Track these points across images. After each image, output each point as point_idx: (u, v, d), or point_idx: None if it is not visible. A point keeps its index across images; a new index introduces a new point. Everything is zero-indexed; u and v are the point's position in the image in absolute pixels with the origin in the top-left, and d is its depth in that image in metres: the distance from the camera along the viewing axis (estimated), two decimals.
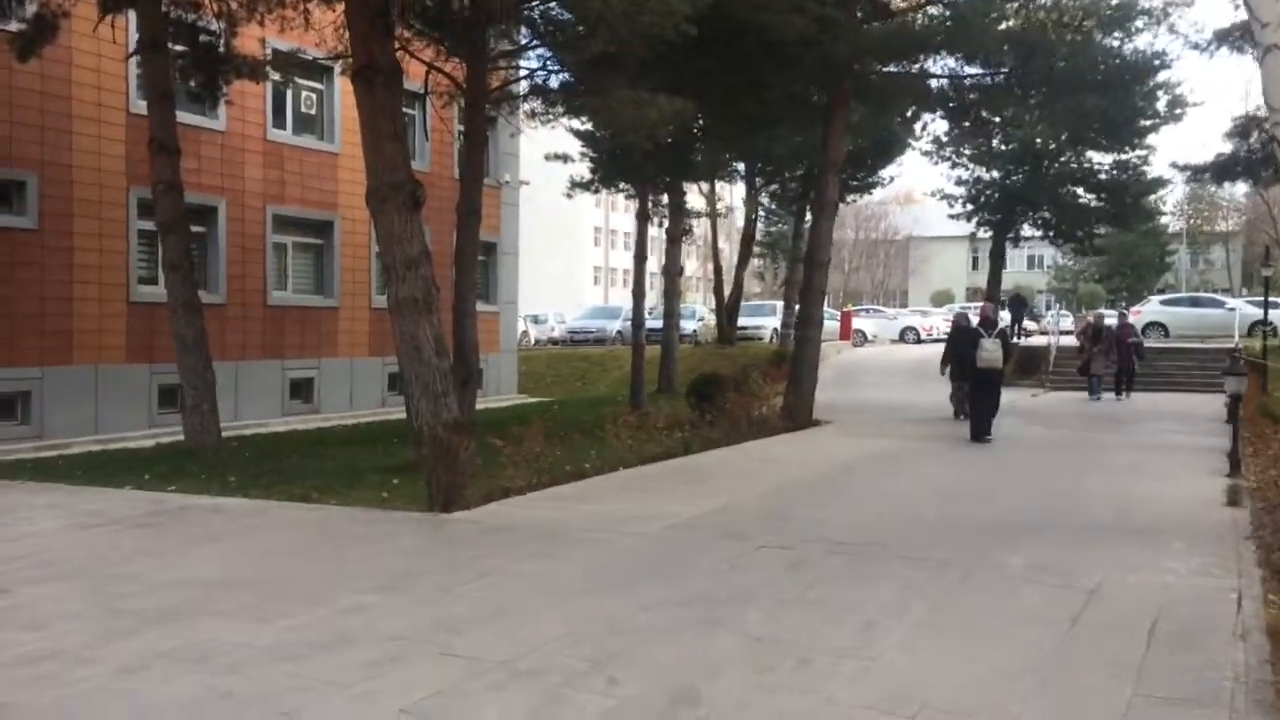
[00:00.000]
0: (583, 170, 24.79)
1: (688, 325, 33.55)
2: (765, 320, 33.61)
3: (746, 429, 14.97)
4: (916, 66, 18.42)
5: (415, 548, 7.88)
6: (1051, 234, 28.75)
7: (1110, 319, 43.73)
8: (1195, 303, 32.63)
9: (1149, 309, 32.76)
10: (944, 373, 18.54)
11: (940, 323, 42.10)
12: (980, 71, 18.11)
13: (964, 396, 16.78)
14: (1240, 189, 59.64)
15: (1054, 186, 26.49)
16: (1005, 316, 38.13)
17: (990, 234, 29.07)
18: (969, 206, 28.28)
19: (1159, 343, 30.62)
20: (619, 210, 77.68)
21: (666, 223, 26.07)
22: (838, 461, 12.67)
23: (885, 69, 17.84)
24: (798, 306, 33.00)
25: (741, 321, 31.10)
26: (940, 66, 18.45)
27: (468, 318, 18.42)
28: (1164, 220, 64.16)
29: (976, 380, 15.42)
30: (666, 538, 8.13)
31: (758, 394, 20.99)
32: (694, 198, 30.74)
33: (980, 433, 15.09)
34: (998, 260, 29.05)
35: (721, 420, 14.85)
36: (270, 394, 21.26)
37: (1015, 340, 23.21)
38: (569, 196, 25.63)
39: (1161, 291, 66.86)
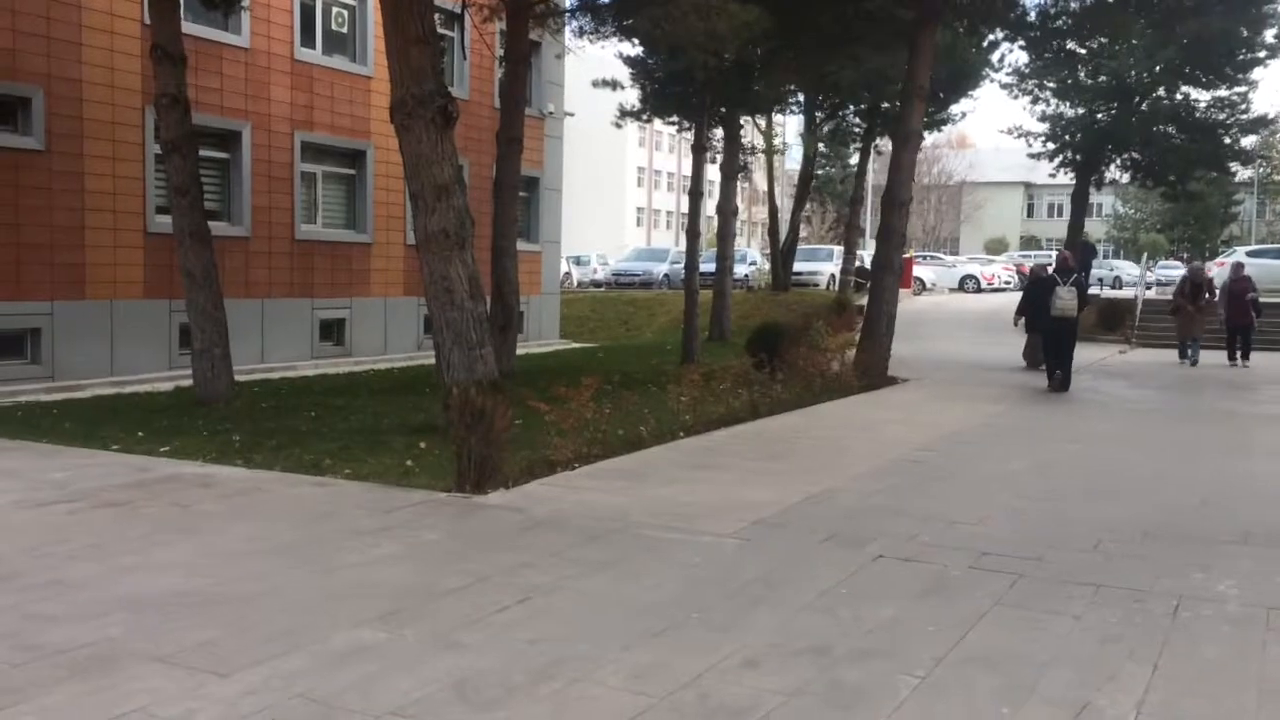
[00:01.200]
0: (632, 98, 22.69)
1: (739, 270, 31.52)
2: (822, 265, 31.44)
3: (820, 389, 13.09)
4: None
5: (438, 548, 6.12)
6: (1140, 176, 26.19)
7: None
8: None
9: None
10: (1017, 324, 17.44)
11: (1001, 271, 39.92)
12: None
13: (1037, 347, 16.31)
14: None
15: (1146, 124, 23.91)
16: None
17: (1073, 176, 26.55)
18: (1049, 145, 25.76)
19: None
20: (663, 150, 75.25)
21: (720, 158, 24.00)
22: (935, 431, 10.76)
23: None
24: (862, 251, 30.89)
25: (797, 267, 28.97)
26: None
27: (507, 256, 16.65)
28: (1231, 168, 61.07)
29: (1050, 329, 14.85)
30: (755, 541, 6.31)
31: (821, 346, 19.10)
32: (747, 135, 28.54)
33: (1057, 383, 14.70)
34: (1080, 204, 26.54)
35: (792, 378, 12.96)
36: (299, 335, 19.63)
37: (1093, 291, 21.11)
38: (618, 125, 23.56)
39: (1227, 243, 63.84)
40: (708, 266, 26.24)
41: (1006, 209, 70.11)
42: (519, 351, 22.81)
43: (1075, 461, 9.31)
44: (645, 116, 22.90)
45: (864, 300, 27.16)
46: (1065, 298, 14.57)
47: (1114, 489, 8.10)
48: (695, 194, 19.25)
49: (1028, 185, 73.29)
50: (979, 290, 36.71)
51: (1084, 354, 20.72)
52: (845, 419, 11.53)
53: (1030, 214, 75.09)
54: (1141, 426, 11.68)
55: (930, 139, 72.46)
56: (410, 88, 9.99)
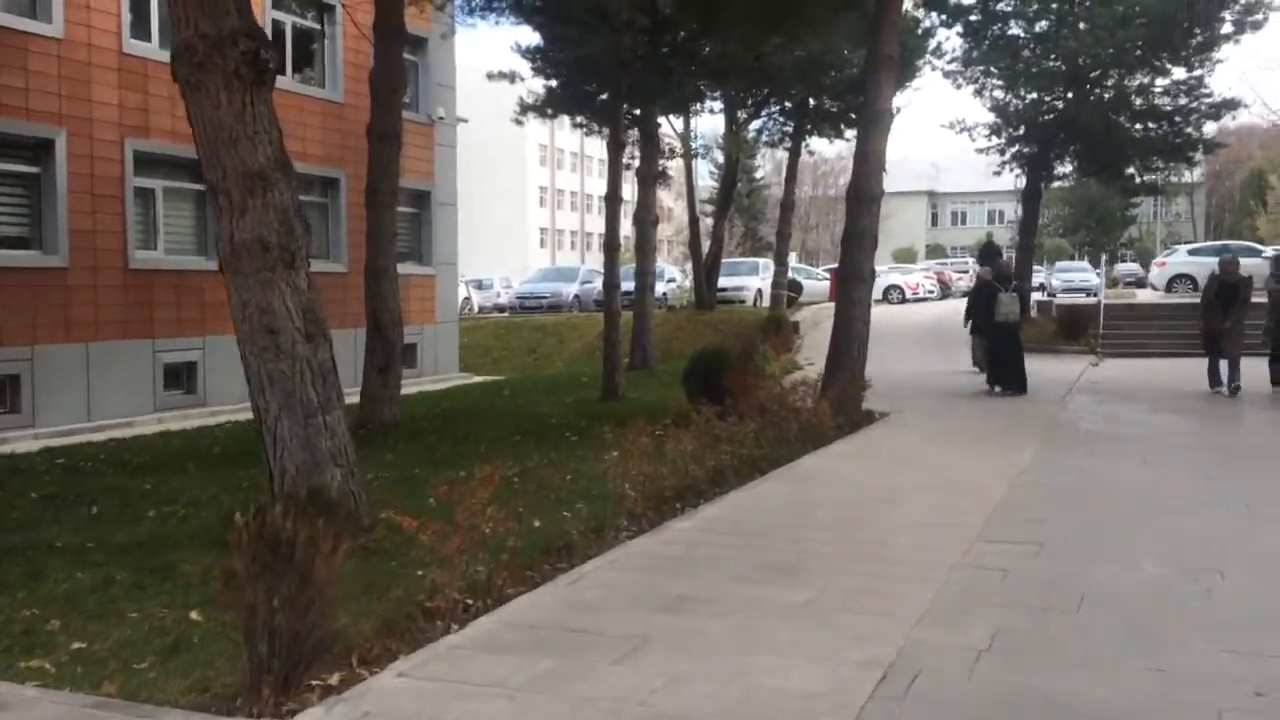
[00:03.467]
0: (535, 89, 19.25)
1: (658, 288, 28.19)
2: (747, 280, 28.21)
3: (795, 436, 9.77)
4: None
5: None
6: (1095, 169, 23.53)
7: (1080, 274, 38.80)
8: (1227, 252, 28.01)
9: (1175, 260, 28.19)
10: (967, 325, 17.13)
11: (924, 280, 37.66)
12: None
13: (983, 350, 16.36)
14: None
15: (1103, 113, 21.18)
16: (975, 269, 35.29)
17: (1018, 174, 23.76)
18: (994, 139, 22.86)
19: (1187, 297, 26.07)
20: (565, 169, 71.96)
21: (637, 163, 20.72)
22: (976, 501, 7.49)
23: None
24: (783, 262, 27.64)
25: (721, 282, 25.71)
26: None
27: (386, 279, 13.07)
28: (1129, 171, 60.25)
29: (995, 334, 15.15)
30: None
31: (770, 374, 15.94)
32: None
33: (999, 380, 14.90)
34: (1032, 204, 23.75)
35: (763, 425, 9.58)
36: (137, 384, 15.73)
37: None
38: (518, 122, 20.08)
39: (1127, 245, 63.08)
40: (625, 285, 23.06)
41: (912, 218, 68.39)
42: (411, 390, 19.18)
43: (1228, 553, 6.09)
44: (550, 112, 19.48)
45: (800, 317, 24.25)
46: (1008, 303, 14.89)
47: None
48: (613, 199, 15.87)
49: (931, 194, 71.95)
50: (904, 300, 34.15)
51: (1054, 368, 17.97)
52: (848, 485, 8.19)
53: (935, 223, 73.65)
54: (1237, 477, 8.57)
55: (834, 150, 70.57)
56: (200, 25, 6.41)
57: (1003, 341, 14.96)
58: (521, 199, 68.22)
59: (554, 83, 18.33)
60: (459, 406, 15.92)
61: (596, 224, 65.98)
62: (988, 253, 25.96)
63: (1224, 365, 14.19)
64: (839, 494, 7.78)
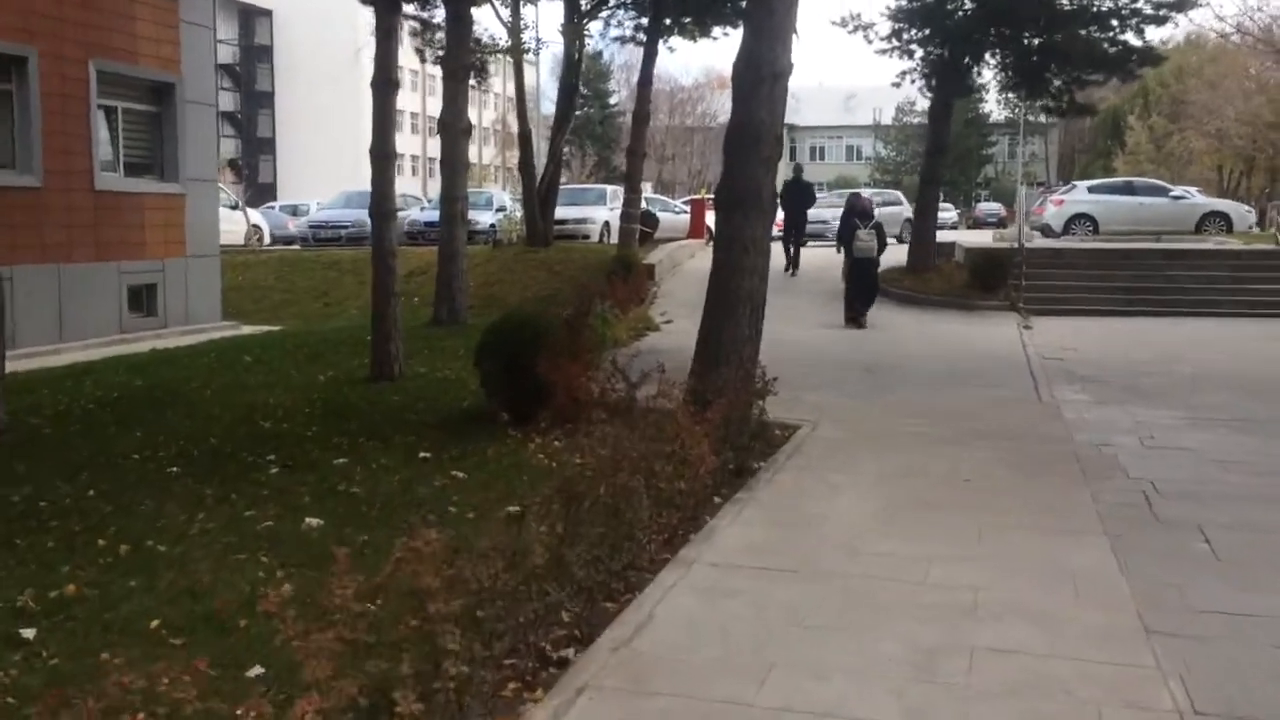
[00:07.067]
0: None
1: (483, 218, 22.53)
2: (593, 211, 22.69)
3: (643, 524, 4.71)
4: None
5: None
6: (1019, 81, 18.73)
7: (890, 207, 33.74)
8: (1131, 190, 24.29)
9: (1073, 198, 24.28)
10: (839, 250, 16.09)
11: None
12: None
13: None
14: None
15: (1040, 7, 16.26)
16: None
17: (923, 87, 18.87)
18: (894, 42, 17.68)
19: (1090, 242, 22.30)
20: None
21: (442, 53, 15.24)
22: None
23: None
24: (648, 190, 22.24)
25: (559, 213, 20.20)
26: None
27: None
28: (986, 109, 57.26)
29: (853, 270, 15.03)
30: None
31: (607, 337, 11.01)
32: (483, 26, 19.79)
33: (855, 317, 14.69)
34: (940, 125, 18.88)
35: (564, 513, 4.47)
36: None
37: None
38: None
39: (984, 185, 60.47)
40: (434, 214, 17.62)
41: None
42: (139, 347, 13.65)
43: None
44: None
45: (656, 258, 19.23)
46: (865, 239, 14.82)
47: None
48: (383, 85, 10.35)
49: (790, 127, 67.69)
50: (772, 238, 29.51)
51: (983, 333, 13.63)
52: None
53: (793, 157, 69.61)
54: None
55: (691, 78, 65.51)
56: None
57: (860, 277, 14.88)
58: (356, 121, 60.69)
59: None
60: (150, 387, 10.34)
61: (439, 148, 59.14)
62: (794, 186, 21.41)
63: None
64: None
